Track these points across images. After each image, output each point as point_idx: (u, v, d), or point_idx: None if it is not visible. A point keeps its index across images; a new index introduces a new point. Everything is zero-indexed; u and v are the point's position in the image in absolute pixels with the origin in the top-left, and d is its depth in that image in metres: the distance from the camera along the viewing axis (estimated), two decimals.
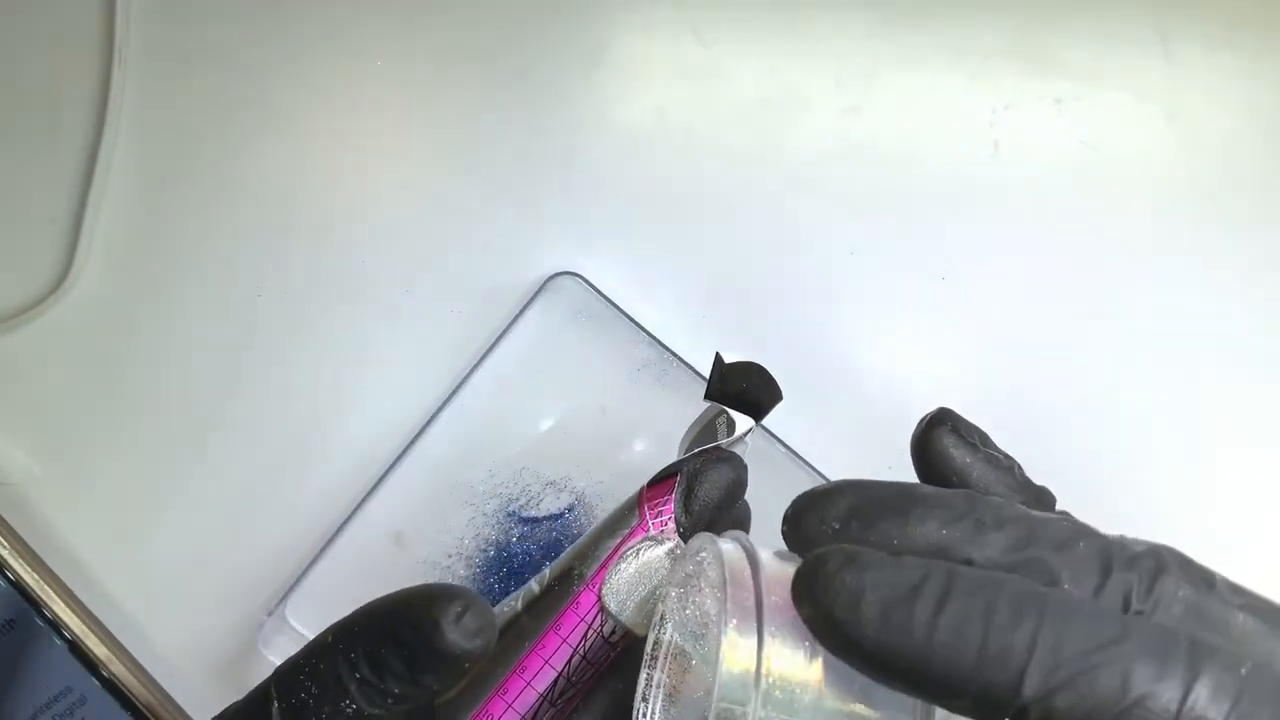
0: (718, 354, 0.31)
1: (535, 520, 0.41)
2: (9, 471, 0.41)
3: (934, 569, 0.18)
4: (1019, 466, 0.25)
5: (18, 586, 0.39)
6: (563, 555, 0.30)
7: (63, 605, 0.39)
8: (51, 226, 0.42)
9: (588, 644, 0.28)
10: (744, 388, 0.31)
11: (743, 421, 0.30)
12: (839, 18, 0.43)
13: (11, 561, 0.39)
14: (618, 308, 0.41)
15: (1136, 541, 0.20)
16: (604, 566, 0.29)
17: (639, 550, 0.29)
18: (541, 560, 0.40)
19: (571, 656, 0.28)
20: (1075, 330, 0.43)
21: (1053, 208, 0.43)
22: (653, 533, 0.29)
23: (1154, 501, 0.42)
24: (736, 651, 0.19)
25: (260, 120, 0.43)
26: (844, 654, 0.19)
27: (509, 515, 0.41)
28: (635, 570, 0.29)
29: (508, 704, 0.28)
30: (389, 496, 0.40)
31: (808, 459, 0.41)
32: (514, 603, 0.30)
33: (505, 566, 0.40)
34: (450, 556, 0.40)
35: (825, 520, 0.21)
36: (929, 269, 0.43)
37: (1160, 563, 0.20)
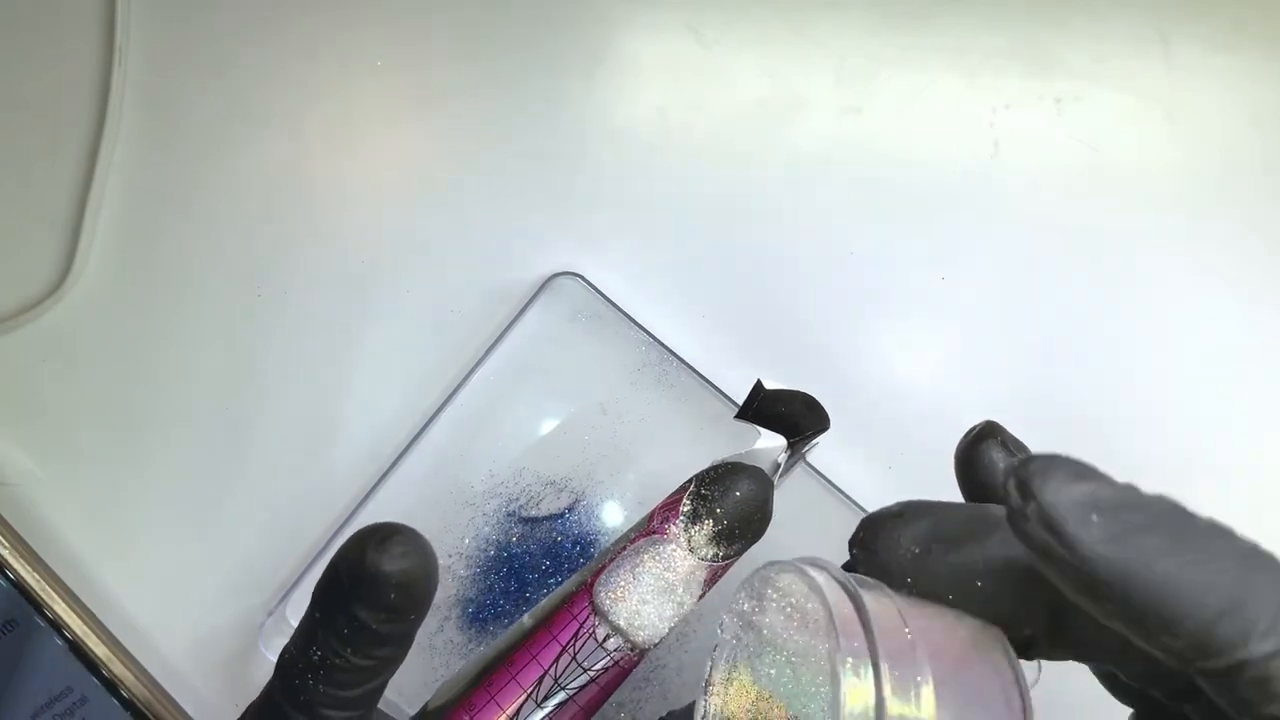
0: (758, 381, 0.30)
1: (535, 520, 0.41)
2: (9, 471, 0.41)
3: (1169, 505, 0.18)
4: None
5: (18, 586, 0.39)
6: (578, 571, 0.30)
7: (63, 605, 0.39)
8: (51, 227, 0.42)
9: (578, 644, 0.28)
10: (781, 412, 0.30)
11: (773, 439, 0.30)
12: (839, 18, 0.43)
13: (12, 561, 0.39)
14: (618, 308, 0.41)
15: (1241, 536, 0.20)
16: (603, 568, 0.29)
17: (637, 552, 0.28)
18: (541, 559, 0.40)
19: (560, 654, 0.28)
20: (1075, 330, 0.43)
21: (1053, 208, 0.43)
22: (655, 536, 0.28)
23: None
24: (855, 691, 0.19)
25: (260, 120, 0.43)
26: (1069, 572, 0.17)
27: (509, 515, 0.41)
28: (628, 570, 0.28)
29: (490, 696, 0.28)
30: (389, 496, 0.40)
31: (806, 458, 0.41)
32: (524, 619, 0.30)
33: (505, 566, 0.40)
34: (450, 556, 0.40)
35: (902, 544, 0.21)
36: (929, 269, 0.43)
37: None
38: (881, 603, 0.20)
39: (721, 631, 0.23)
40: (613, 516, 0.41)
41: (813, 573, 0.21)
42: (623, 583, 0.28)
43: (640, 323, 0.41)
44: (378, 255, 0.43)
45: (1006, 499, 0.18)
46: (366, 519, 0.40)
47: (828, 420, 0.30)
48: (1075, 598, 0.17)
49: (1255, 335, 0.43)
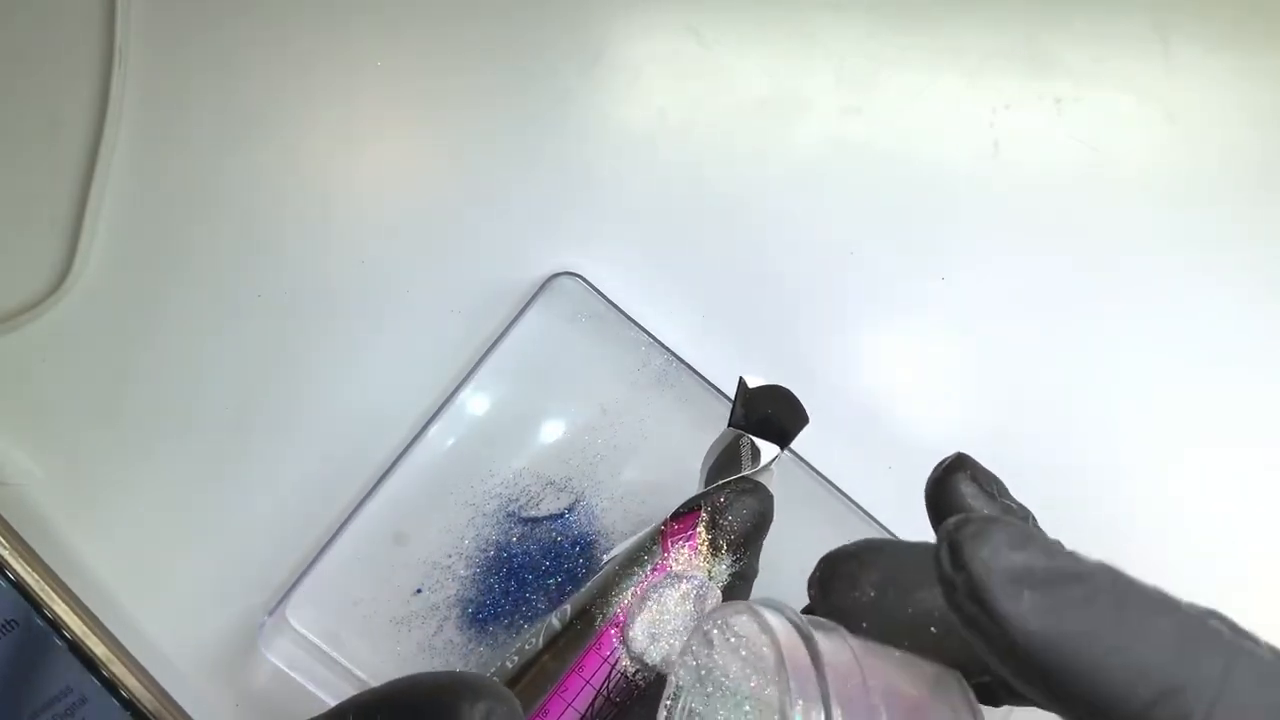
0: (741, 379, 0.30)
1: (535, 520, 0.41)
2: (9, 472, 0.41)
3: (1111, 574, 0.17)
4: (1033, 517, 0.23)
5: (18, 586, 0.39)
6: (582, 591, 0.29)
7: (63, 605, 0.39)
8: (52, 226, 0.42)
9: (610, 684, 0.27)
10: (769, 413, 0.30)
11: (768, 449, 0.29)
12: (839, 18, 0.43)
13: (12, 561, 0.39)
14: (618, 308, 0.41)
15: (1192, 607, 0.19)
16: (626, 605, 0.28)
17: (661, 589, 0.28)
18: (541, 559, 0.40)
19: (595, 699, 0.27)
20: (1074, 329, 0.43)
21: (1053, 208, 0.43)
22: (675, 570, 0.28)
23: (1153, 501, 0.42)
24: None
25: (260, 120, 0.43)
26: (996, 647, 0.16)
27: (509, 515, 0.41)
28: (657, 609, 0.27)
29: None
30: (389, 496, 0.40)
31: (806, 458, 0.41)
32: (534, 640, 0.30)
33: (505, 566, 0.40)
34: (450, 556, 0.40)
35: (858, 586, 0.20)
36: (929, 268, 0.43)
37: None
38: (836, 645, 0.19)
39: (676, 676, 0.22)
40: (613, 517, 0.41)
41: (766, 614, 0.21)
42: (655, 624, 0.28)
43: (640, 323, 0.41)
44: (378, 255, 0.43)
45: (937, 564, 0.17)
46: (367, 519, 0.40)
47: (806, 415, 0.30)
48: (1003, 673, 0.17)
49: (1255, 334, 0.43)
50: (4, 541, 0.39)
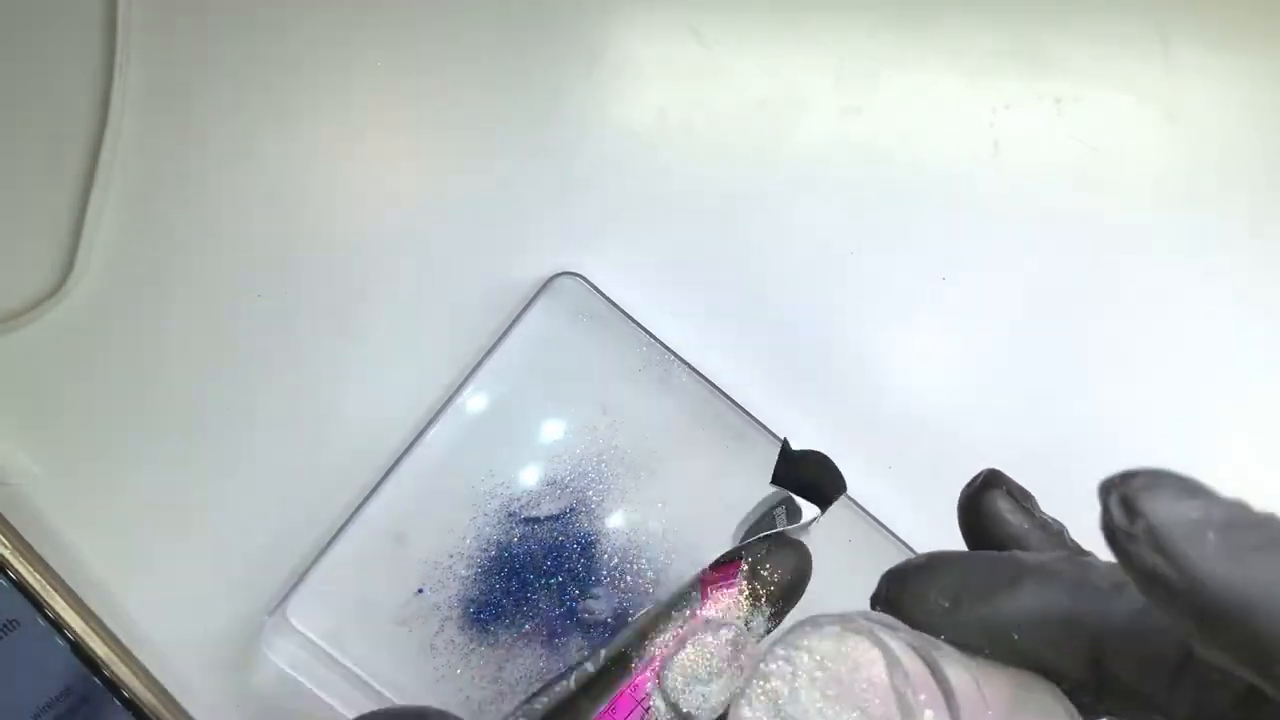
0: (785, 441, 0.30)
1: (536, 521, 0.41)
2: (9, 471, 0.41)
3: (1275, 520, 0.16)
4: (1068, 532, 0.23)
5: (19, 586, 0.39)
6: (619, 636, 0.29)
7: (64, 605, 0.39)
8: (52, 227, 0.42)
9: None
10: (811, 478, 0.30)
11: (808, 509, 0.30)
12: (839, 18, 0.43)
13: (13, 561, 0.39)
14: (619, 308, 0.41)
15: None
16: (663, 649, 0.28)
17: (699, 634, 0.28)
18: (542, 559, 0.40)
19: None
20: (1075, 330, 0.43)
21: (1053, 208, 0.43)
22: (714, 617, 0.28)
23: None
24: None
25: (260, 120, 0.43)
26: (1181, 597, 0.16)
27: (510, 515, 0.41)
28: (695, 654, 0.27)
29: None
30: (390, 496, 0.40)
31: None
32: (567, 682, 0.30)
33: (506, 567, 0.40)
34: (451, 557, 0.40)
35: (930, 598, 0.20)
36: (929, 269, 0.43)
37: None
38: (951, 663, 0.18)
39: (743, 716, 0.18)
40: (614, 517, 0.41)
41: (879, 631, 0.18)
42: (692, 669, 0.27)
43: (641, 323, 0.41)
44: (378, 255, 0.43)
45: (1108, 518, 0.17)
46: (368, 519, 0.40)
47: (845, 484, 0.30)
48: (1183, 626, 0.16)
49: (1255, 334, 0.43)
50: (5, 541, 0.39)
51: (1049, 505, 0.43)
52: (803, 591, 0.29)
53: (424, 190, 0.43)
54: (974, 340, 0.43)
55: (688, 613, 0.29)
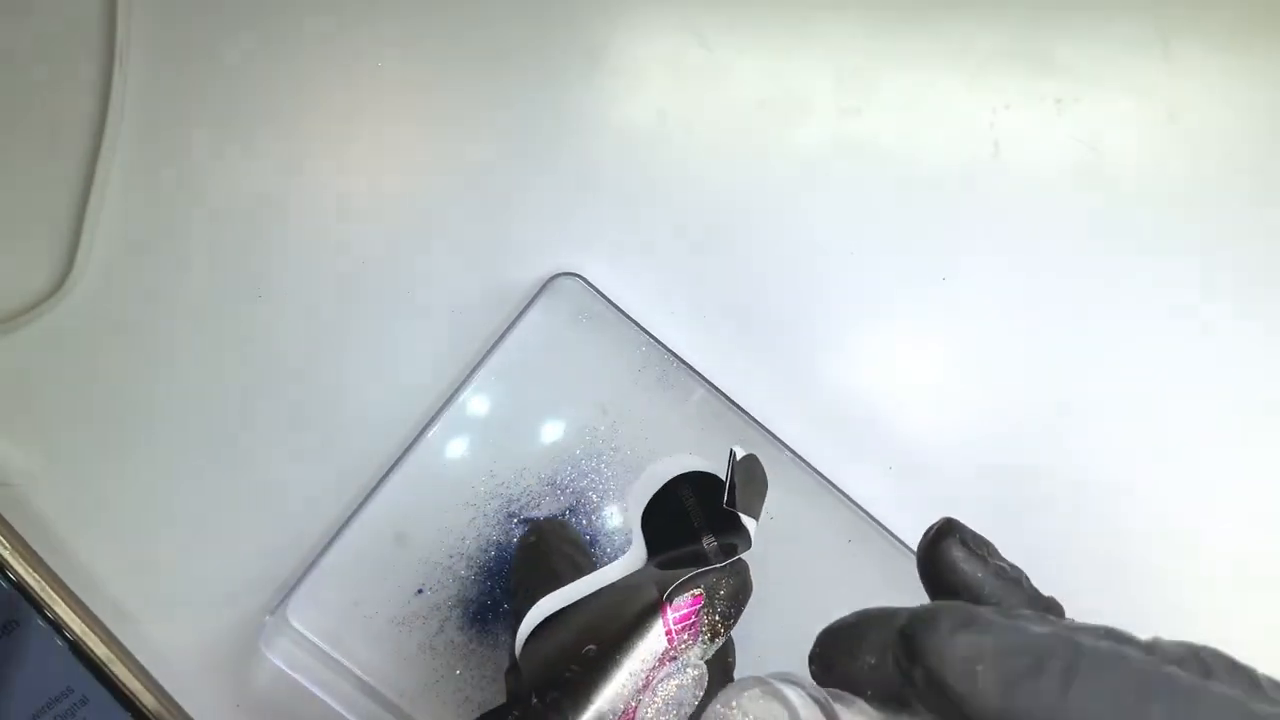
0: (732, 451, 0.29)
1: (536, 521, 0.41)
2: (9, 472, 0.41)
3: (1056, 638, 0.18)
4: (1026, 578, 0.24)
5: (19, 587, 0.39)
6: (596, 696, 0.27)
7: (64, 606, 0.39)
8: (51, 227, 0.42)
9: None
10: (746, 488, 0.29)
11: (749, 523, 0.29)
12: (839, 18, 0.43)
13: (13, 562, 0.39)
14: (619, 309, 0.41)
15: (1176, 645, 0.19)
16: (636, 700, 0.27)
17: (669, 680, 0.27)
18: None
19: None
20: (1075, 330, 0.43)
21: (1053, 208, 0.43)
22: (680, 659, 0.27)
23: (1151, 501, 0.43)
24: None
25: (260, 120, 0.43)
26: None
27: (510, 516, 0.41)
28: (668, 701, 0.27)
29: None
30: (390, 497, 0.40)
31: (807, 459, 0.41)
32: None
33: (506, 567, 0.40)
34: (451, 557, 0.40)
35: (859, 656, 0.20)
36: (929, 269, 0.43)
37: (1205, 667, 0.19)
38: (854, 715, 0.19)
39: None
40: (613, 517, 0.41)
41: (784, 689, 0.20)
42: (661, 710, 0.27)
43: (640, 323, 0.41)
44: (378, 256, 0.43)
45: (896, 664, 0.18)
46: (368, 519, 0.40)
47: (766, 482, 0.30)
48: None
49: (1255, 333, 0.43)
50: (4, 542, 0.39)
51: (1049, 500, 0.43)
52: (745, 605, 0.29)
53: (424, 191, 0.43)
54: (974, 340, 0.43)
55: (654, 659, 0.27)
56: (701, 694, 0.28)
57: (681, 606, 0.28)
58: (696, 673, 0.27)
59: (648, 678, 0.27)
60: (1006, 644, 0.17)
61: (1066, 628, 0.19)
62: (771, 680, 0.21)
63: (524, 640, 0.30)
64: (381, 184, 0.43)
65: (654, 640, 0.27)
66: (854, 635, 0.21)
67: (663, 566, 0.30)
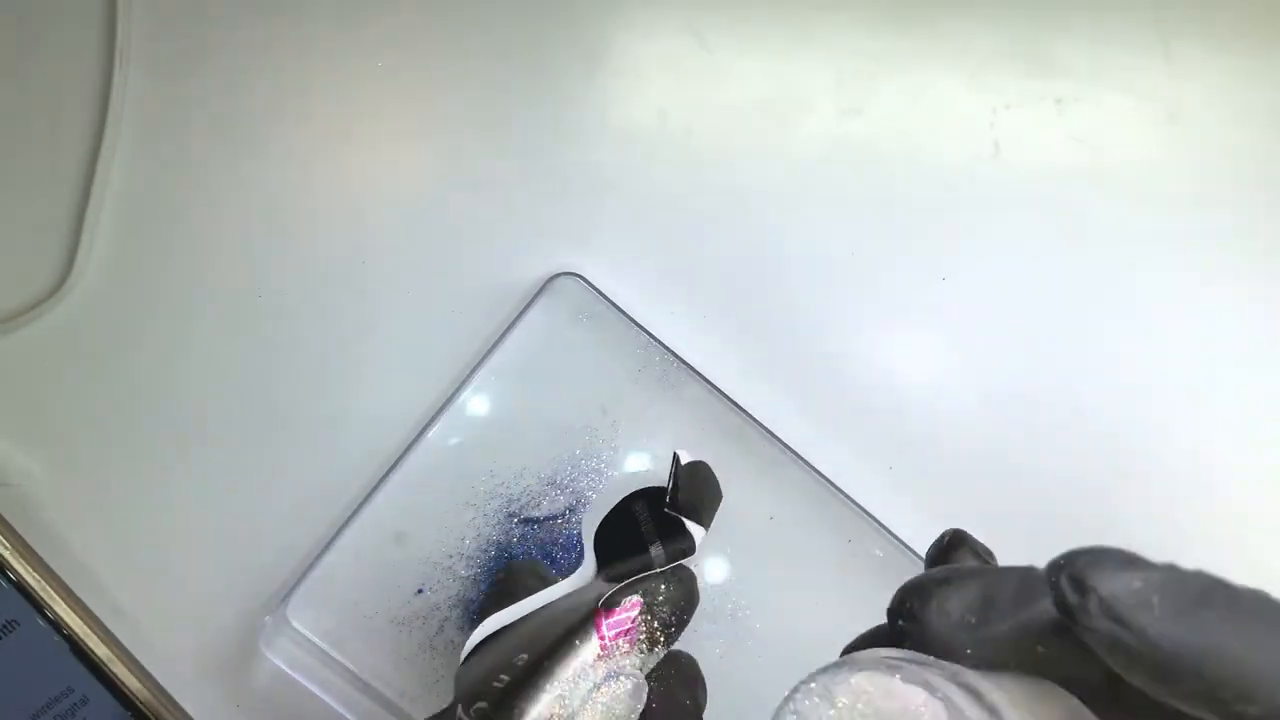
0: (676, 455, 0.28)
1: (536, 521, 0.41)
2: (9, 472, 0.41)
3: (1208, 576, 0.18)
4: None
5: (19, 587, 0.39)
6: (524, 703, 0.26)
7: (64, 606, 0.39)
8: (52, 227, 0.42)
9: None
10: (696, 494, 0.28)
11: (696, 531, 0.28)
12: (839, 19, 0.43)
13: (12, 561, 0.39)
14: (618, 308, 0.41)
15: None
16: (562, 707, 0.26)
17: (602, 687, 0.26)
18: (542, 560, 0.40)
19: None
20: (1075, 329, 0.43)
21: (1053, 208, 0.43)
22: (613, 667, 0.26)
23: (1152, 498, 0.43)
24: None
25: (261, 121, 0.43)
26: (1140, 658, 0.17)
27: (510, 516, 0.41)
28: (597, 711, 0.26)
29: None
30: (390, 496, 0.40)
31: (807, 458, 0.41)
32: None
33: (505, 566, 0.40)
34: (451, 557, 0.40)
35: (955, 612, 0.20)
36: (929, 269, 0.43)
37: None
38: (1006, 708, 0.18)
39: None
40: None
41: (930, 676, 0.18)
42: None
43: (640, 323, 0.41)
44: (378, 256, 0.43)
45: (1060, 597, 0.18)
46: (368, 519, 0.40)
47: (721, 492, 0.29)
48: (1145, 684, 0.17)
49: (1255, 333, 0.43)
50: (5, 542, 0.39)
51: (1049, 500, 0.43)
52: (691, 616, 0.28)
53: (424, 191, 0.43)
54: (974, 339, 0.43)
55: (588, 662, 0.26)
56: (640, 706, 0.26)
57: (619, 613, 0.27)
58: (633, 684, 0.26)
59: (580, 686, 0.26)
60: (1171, 580, 0.17)
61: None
62: (894, 663, 0.19)
63: (465, 658, 0.29)
64: (381, 183, 0.43)
65: (587, 648, 0.26)
66: (949, 590, 0.21)
67: (610, 579, 0.30)
